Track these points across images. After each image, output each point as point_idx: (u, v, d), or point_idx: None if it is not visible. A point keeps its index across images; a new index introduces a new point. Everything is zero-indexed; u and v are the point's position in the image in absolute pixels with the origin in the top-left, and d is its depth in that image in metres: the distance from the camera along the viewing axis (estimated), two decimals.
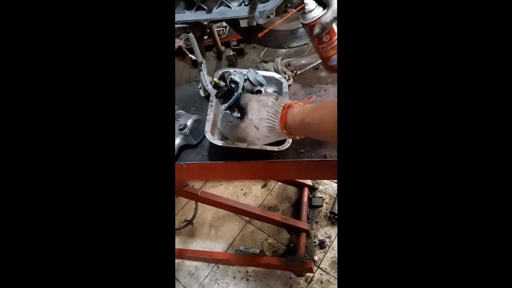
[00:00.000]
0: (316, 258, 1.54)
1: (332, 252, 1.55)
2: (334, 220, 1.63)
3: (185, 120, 0.80)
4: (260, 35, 0.76)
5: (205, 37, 1.05)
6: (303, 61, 0.96)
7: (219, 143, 0.71)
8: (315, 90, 0.87)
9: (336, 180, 1.79)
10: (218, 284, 1.59)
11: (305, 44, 0.94)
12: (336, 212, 1.61)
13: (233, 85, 0.66)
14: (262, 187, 1.93)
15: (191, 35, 0.84)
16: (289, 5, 0.80)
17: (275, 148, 0.71)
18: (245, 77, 0.67)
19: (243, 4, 0.77)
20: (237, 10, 0.78)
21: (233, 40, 1.13)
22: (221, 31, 1.22)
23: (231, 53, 1.07)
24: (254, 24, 0.77)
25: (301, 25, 0.86)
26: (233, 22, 0.83)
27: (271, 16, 0.75)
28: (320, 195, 1.77)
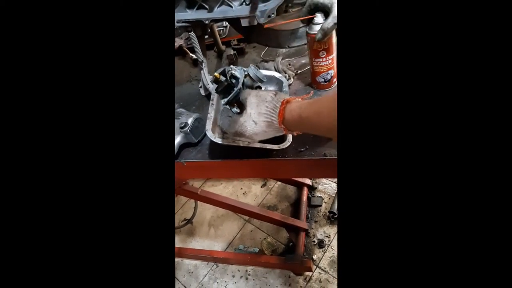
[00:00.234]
0: (315, 257, 1.55)
1: (331, 251, 1.55)
2: (333, 220, 1.64)
3: (186, 119, 0.80)
4: (265, 26, 0.77)
5: (206, 36, 1.05)
6: (303, 61, 0.97)
7: (220, 141, 0.72)
8: (315, 90, 0.88)
9: (335, 180, 1.80)
10: (217, 283, 1.59)
11: (305, 44, 0.94)
12: (335, 211, 1.62)
13: (233, 80, 0.66)
14: (261, 187, 1.93)
15: (192, 34, 0.85)
16: (290, 4, 0.81)
17: (275, 147, 0.71)
18: (246, 72, 0.67)
19: (244, 3, 0.77)
20: (238, 9, 0.78)
21: (234, 40, 1.14)
22: (221, 31, 1.23)
23: (232, 52, 1.07)
24: (255, 23, 0.77)
25: (301, 25, 0.87)
26: (234, 21, 0.83)
27: (272, 15, 0.75)
28: (319, 195, 1.77)
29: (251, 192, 1.93)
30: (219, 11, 0.80)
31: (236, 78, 0.66)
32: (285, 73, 0.90)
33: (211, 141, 0.73)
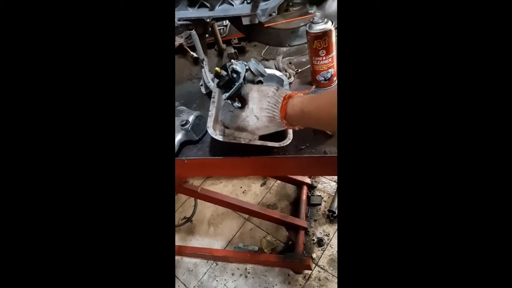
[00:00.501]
0: (314, 255, 1.55)
1: (330, 250, 1.56)
2: (332, 218, 1.64)
3: (187, 116, 0.81)
4: (266, 25, 0.78)
5: (207, 35, 1.06)
6: (303, 60, 0.97)
7: (221, 138, 0.72)
8: (316, 88, 0.88)
9: (334, 179, 1.80)
10: (217, 281, 1.60)
11: (305, 43, 0.95)
12: (335, 210, 1.62)
13: (234, 75, 0.66)
14: (261, 185, 1.94)
15: (193, 32, 0.85)
16: (290, 3, 0.81)
17: (276, 144, 0.72)
18: (247, 67, 0.67)
19: (245, 2, 0.78)
20: (240, 8, 0.78)
21: (235, 38, 1.14)
22: (222, 30, 1.23)
23: (232, 51, 1.08)
24: (256, 22, 0.78)
25: (302, 24, 0.87)
26: (235, 20, 0.84)
27: (273, 14, 0.76)
28: (318, 194, 1.78)
29: (250, 190, 1.93)
30: (220, 10, 0.81)
31: (237, 73, 0.66)
32: (286, 71, 0.91)
33: (212, 139, 0.74)
